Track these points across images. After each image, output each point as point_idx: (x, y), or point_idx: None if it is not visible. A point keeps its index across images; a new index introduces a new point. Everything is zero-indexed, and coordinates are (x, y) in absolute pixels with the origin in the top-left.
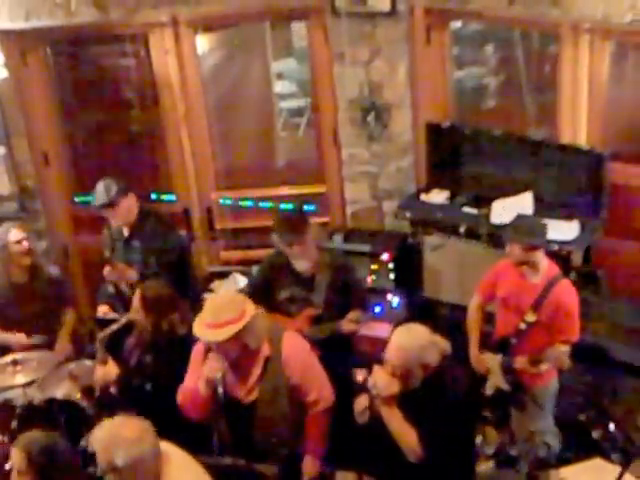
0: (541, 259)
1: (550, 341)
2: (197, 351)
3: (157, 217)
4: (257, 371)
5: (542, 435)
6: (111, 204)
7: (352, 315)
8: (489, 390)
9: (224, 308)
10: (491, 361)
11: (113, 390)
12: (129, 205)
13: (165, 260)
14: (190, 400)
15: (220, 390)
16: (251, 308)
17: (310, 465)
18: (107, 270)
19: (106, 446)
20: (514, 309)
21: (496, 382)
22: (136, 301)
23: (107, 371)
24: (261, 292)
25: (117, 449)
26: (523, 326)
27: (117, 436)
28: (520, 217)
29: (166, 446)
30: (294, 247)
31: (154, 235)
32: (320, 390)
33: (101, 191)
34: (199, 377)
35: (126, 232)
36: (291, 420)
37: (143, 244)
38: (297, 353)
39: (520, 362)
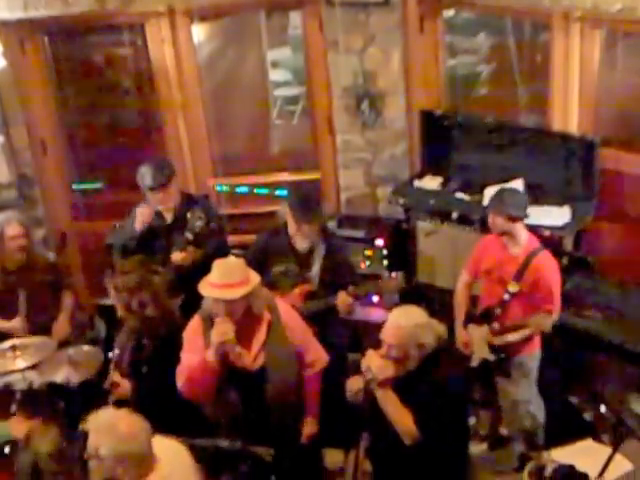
0: (521, 231)
1: (532, 311)
2: (191, 330)
3: (202, 203)
4: (261, 337)
5: (526, 404)
6: (166, 184)
7: (349, 289)
8: (474, 362)
9: (234, 270)
10: (476, 333)
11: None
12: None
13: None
14: (195, 376)
15: (237, 349)
16: (254, 273)
17: (311, 426)
18: (180, 255)
19: (98, 432)
20: (497, 280)
21: (481, 354)
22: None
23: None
24: (255, 265)
25: (106, 439)
26: (507, 296)
27: (111, 427)
28: (502, 190)
29: (159, 449)
30: (303, 226)
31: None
32: (316, 350)
33: (154, 170)
34: (205, 347)
35: (169, 218)
36: (298, 384)
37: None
38: (294, 317)
39: (510, 336)
